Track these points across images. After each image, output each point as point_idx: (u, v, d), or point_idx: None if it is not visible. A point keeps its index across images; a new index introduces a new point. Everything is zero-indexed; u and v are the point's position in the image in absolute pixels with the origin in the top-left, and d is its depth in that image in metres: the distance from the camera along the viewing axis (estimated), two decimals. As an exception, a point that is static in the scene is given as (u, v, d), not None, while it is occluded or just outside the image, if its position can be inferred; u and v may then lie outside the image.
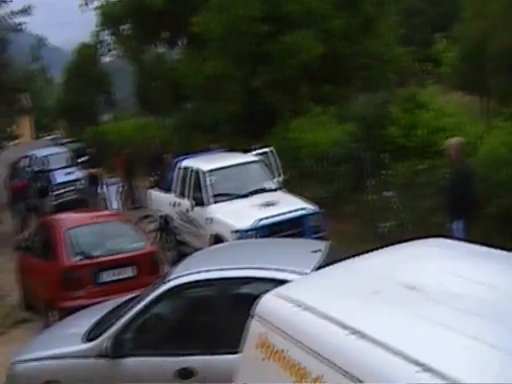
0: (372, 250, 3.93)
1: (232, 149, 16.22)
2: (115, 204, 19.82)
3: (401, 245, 4.03)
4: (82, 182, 21.61)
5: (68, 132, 45.91)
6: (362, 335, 2.85)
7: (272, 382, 3.34)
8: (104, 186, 20.41)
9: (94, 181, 20.56)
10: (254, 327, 3.61)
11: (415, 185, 11.92)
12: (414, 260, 3.67)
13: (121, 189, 20.17)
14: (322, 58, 18.69)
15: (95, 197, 20.54)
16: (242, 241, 10.68)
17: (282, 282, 5.20)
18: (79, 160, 21.30)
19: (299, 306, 3.30)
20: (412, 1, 37.94)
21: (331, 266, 4.85)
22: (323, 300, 3.35)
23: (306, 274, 5.51)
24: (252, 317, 3.62)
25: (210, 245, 11.81)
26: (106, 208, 19.66)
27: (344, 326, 2.96)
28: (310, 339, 3.10)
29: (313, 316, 3.18)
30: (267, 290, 3.74)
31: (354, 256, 4.06)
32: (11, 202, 19.26)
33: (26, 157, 25.36)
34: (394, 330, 2.88)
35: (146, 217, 16.46)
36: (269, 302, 3.60)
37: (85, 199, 21.01)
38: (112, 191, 20.02)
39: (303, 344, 3.12)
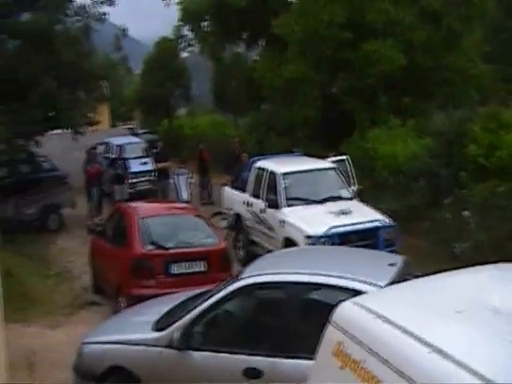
0: (446, 270, 3.89)
1: (307, 154, 16.23)
2: (185, 194, 20.11)
3: (483, 266, 3.98)
4: (153, 174, 21.96)
5: (143, 123, 46.68)
6: (445, 355, 2.82)
7: (348, 392, 3.33)
8: (174, 176, 20.63)
9: (163, 175, 20.66)
10: (332, 334, 3.61)
11: (493, 206, 11.68)
12: (498, 283, 3.63)
13: (190, 180, 20.41)
14: (402, 69, 18.48)
15: (165, 190, 20.84)
16: (315, 246, 10.69)
17: (356, 292, 5.25)
18: (153, 151, 21.63)
19: (379, 317, 3.29)
20: (498, 18, 37.11)
21: (411, 281, 4.84)
22: (404, 314, 3.32)
23: (381, 286, 5.52)
24: (329, 324, 3.61)
25: (282, 247, 11.94)
26: (176, 198, 20.12)
27: (426, 344, 2.93)
28: (390, 352, 3.08)
29: (394, 329, 3.16)
30: (343, 299, 3.75)
31: (431, 273, 4.05)
32: (87, 186, 19.75)
33: (103, 143, 26.04)
34: (480, 353, 2.84)
35: (219, 213, 16.65)
36: (348, 311, 3.60)
37: (156, 191, 21.40)
38: (182, 181, 20.27)
39: (382, 357, 3.10)
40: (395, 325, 3.17)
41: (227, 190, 16.31)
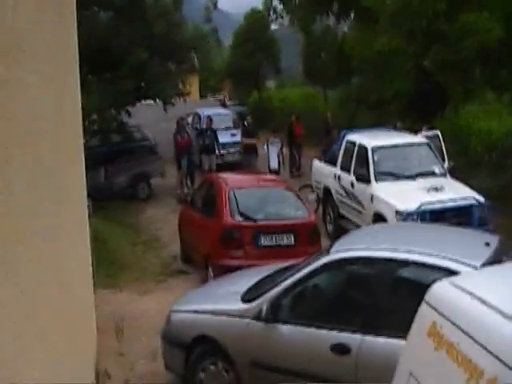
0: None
1: (397, 128, 15.96)
2: (274, 162, 20.19)
3: None
4: (240, 148, 22.13)
5: (233, 94, 46.96)
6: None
7: (442, 374, 3.27)
8: (265, 145, 20.65)
9: (250, 151, 20.63)
10: (427, 314, 3.53)
11: None
12: None
13: (279, 149, 20.43)
14: (499, 41, 17.79)
15: (250, 166, 20.97)
16: (407, 223, 10.53)
17: (451, 272, 5.15)
18: (245, 123, 21.71)
19: (476, 298, 3.20)
20: None
21: (509, 263, 4.69)
22: (502, 296, 3.22)
23: (477, 267, 5.39)
24: (424, 303, 3.54)
25: (371, 223, 11.86)
26: (268, 166, 20.27)
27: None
28: (486, 335, 3.01)
29: (492, 312, 3.06)
30: (436, 278, 3.66)
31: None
32: (176, 156, 20.07)
33: (192, 114, 26.34)
34: None
35: (308, 186, 16.67)
36: (444, 290, 3.50)
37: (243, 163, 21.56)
38: (273, 150, 20.34)
39: (478, 340, 3.03)
40: (492, 307, 3.08)
41: (317, 162, 16.26)
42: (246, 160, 20.32)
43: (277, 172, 20.05)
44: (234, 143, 22.37)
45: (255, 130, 20.16)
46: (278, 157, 20.28)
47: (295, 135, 21.88)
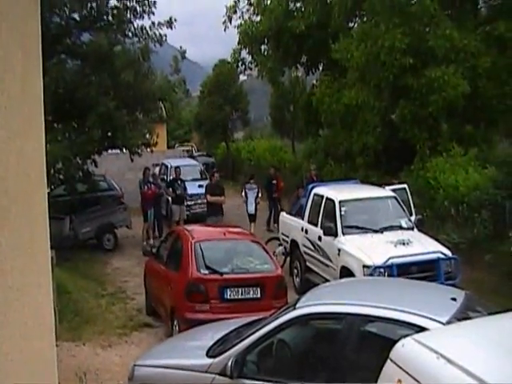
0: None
1: (366, 182, 16.15)
2: (252, 208, 20.31)
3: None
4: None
5: (200, 145, 47.24)
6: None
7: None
8: (245, 191, 20.77)
9: (215, 210, 18.20)
10: (392, 372, 3.50)
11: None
12: None
13: (256, 195, 20.52)
14: (465, 97, 18.18)
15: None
16: (373, 277, 10.57)
17: (417, 328, 5.16)
18: (214, 173, 21.85)
19: (442, 357, 3.18)
20: None
21: (476, 319, 4.71)
22: (469, 355, 3.21)
23: (443, 322, 5.40)
24: (390, 360, 3.52)
25: (339, 276, 11.87)
26: (246, 210, 20.49)
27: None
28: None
29: (458, 372, 3.04)
30: (403, 334, 3.67)
31: (496, 312, 3.96)
32: (142, 206, 20.00)
33: (159, 165, 26.44)
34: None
35: (276, 239, 16.70)
36: (409, 348, 3.48)
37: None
38: (250, 196, 20.43)
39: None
40: (458, 366, 3.06)
41: (284, 215, 16.36)
42: (210, 220, 19.06)
43: (254, 216, 20.30)
44: (202, 194, 22.48)
45: (222, 186, 19.41)
46: (256, 202, 20.35)
47: (275, 189, 21.97)
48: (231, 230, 12.61)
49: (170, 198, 21.33)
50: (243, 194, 20.85)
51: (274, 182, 22.14)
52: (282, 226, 16.38)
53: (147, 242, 19.37)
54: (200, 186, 23.03)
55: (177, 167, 21.60)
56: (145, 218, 19.83)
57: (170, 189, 20.79)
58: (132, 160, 20.76)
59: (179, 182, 20.70)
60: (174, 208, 20.66)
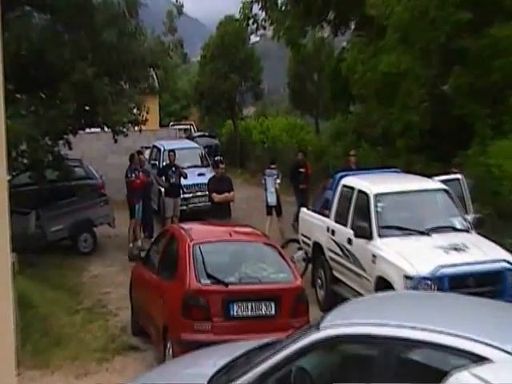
0: None
1: (409, 170, 16.08)
2: (272, 198, 20.50)
3: None
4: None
5: (201, 124, 47.38)
6: None
7: None
8: (264, 178, 20.92)
9: (222, 210, 17.70)
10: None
11: None
12: None
13: (277, 182, 20.55)
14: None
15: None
16: (418, 292, 10.52)
17: (474, 357, 5.11)
18: (215, 159, 21.83)
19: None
20: None
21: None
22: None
23: (509, 352, 5.33)
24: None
25: (374, 289, 11.88)
26: (266, 201, 20.65)
27: None
28: None
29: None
30: (455, 365, 3.64)
31: None
32: (129, 199, 20.02)
33: (148, 147, 26.48)
34: None
35: (294, 241, 16.72)
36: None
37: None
38: (270, 183, 20.59)
39: None
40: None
41: (305, 212, 16.35)
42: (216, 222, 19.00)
43: (275, 208, 20.48)
44: (203, 185, 22.54)
45: (229, 179, 18.48)
46: (277, 191, 20.39)
47: (302, 179, 21.99)
48: (239, 229, 12.61)
49: (162, 189, 21.38)
50: (262, 181, 21.07)
51: (302, 170, 22.14)
52: (302, 226, 16.37)
53: (134, 244, 19.42)
54: (200, 175, 23.15)
55: (171, 151, 21.69)
56: (131, 214, 19.90)
57: (163, 177, 20.84)
58: (116, 141, 20.79)
59: (174, 168, 20.75)
60: (168, 201, 20.74)
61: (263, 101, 47.76)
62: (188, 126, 44.12)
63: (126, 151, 22.13)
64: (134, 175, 19.85)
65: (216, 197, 17.59)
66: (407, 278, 11.28)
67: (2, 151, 3.55)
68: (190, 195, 22.91)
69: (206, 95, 41.03)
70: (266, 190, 20.72)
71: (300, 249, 16.24)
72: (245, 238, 12.02)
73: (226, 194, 17.66)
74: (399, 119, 20.54)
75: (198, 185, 22.88)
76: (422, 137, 20.50)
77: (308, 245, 15.68)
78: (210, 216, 17.82)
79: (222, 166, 18.33)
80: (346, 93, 24.79)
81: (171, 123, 44.69)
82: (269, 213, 20.54)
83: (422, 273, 11.24)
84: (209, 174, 22.87)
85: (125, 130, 20.26)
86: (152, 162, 24.80)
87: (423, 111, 19.94)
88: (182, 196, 21.46)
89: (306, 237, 15.90)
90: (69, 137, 19.86)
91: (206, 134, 41.79)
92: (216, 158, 21.76)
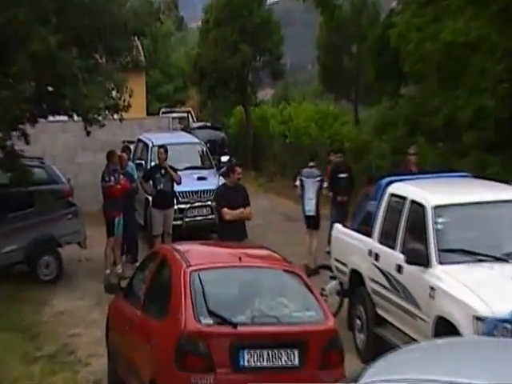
0: None
1: (480, 175, 16.06)
2: (311, 205, 20.89)
3: None
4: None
5: (202, 111, 47.41)
6: None
7: None
8: (299, 179, 21.14)
9: (235, 229, 17.11)
10: None
11: None
12: None
13: (320, 184, 21.02)
14: None
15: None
16: (494, 339, 10.45)
17: None
18: (221, 158, 21.82)
19: None
20: None
21: None
22: None
23: None
24: None
25: (433, 334, 11.84)
26: (302, 210, 21.01)
27: None
28: None
29: None
30: None
31: None
32: (106, 211, 20.01)
33: (132, 142, 26.61)
34: None
35: (325, 268, 16.75)
36: None
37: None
38: (309, 186, 20.95)
39: None
40: None
41: (340, 229, 16.44)
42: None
43: (314, 220, 20.82)
44: (204, 192, 22.53)
45: (244, 190, 17.72)
46: (318, 197, 20.49)
47: (343, 188, 22.17)
48: (251, 251, 12.64)
49: (149, 198, 21.42)
50: (297, 182, 21.30)
51: (343, 175, 22.32)
52: (336, 248, 16.44)
53: (113, 270, 19.48)
54: (201, 179, 23.22)
55: (162, 147, 21.67)
56: (109, 230, 19.96)
57: (150, 182, 20.84)
58: (88, 133, 20.83)
59: (164, 171, 20.75)
60: (157, 214, 20.74)
61: (285, 81, 47.80)
62: (185, 114, 44.16)
63: (101, 147, 22.28)
64: (112, 179, 19.86)
65: (228, 213, 17.00)
66: (478, 319, 11.23)
67: None
68: (187, 206, 22.91)
69: (208, 73, 41.01)
70: (302, 195, 21.00)
71: (333, 278, 16.32)
72: (259, 263, 12.00)
73: (242, 210, 17.11)
74: (468, 105, 20.55)
75: (197, 192, 23.01)
76: (498, 129, 20.45)
77: (343, 273, 15.72)
78: (219, 238, 17.74)
79: (238, 170, 17.70)
80: (396, 70, 24.82)
81: (162, 110, 44.66)
82: (309, 225, 20.87)
83: (498, 313, 11.17)
84: (212, 177, 22.97)
85: (100, 118, 20.28)
86: (137, 161, 24.79)
87: (500, 94, 19.91)
88: (175, 207, 21.49)
89: (340, 263, 15.94)
90: (25, 127, 19.90)
91: (209, 124, 41.76)
92: (223, 159, 21.86)
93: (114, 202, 19.84)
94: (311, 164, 21.05)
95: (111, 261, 19.86)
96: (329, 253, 20.42)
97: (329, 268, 16.61)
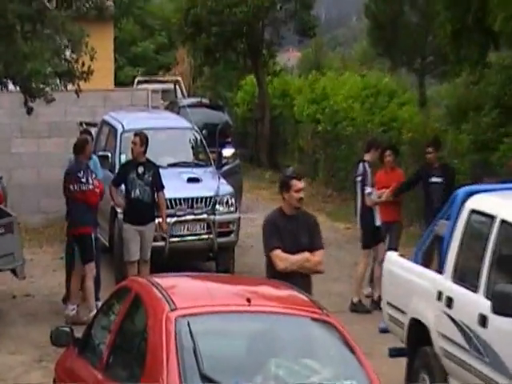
0: None
1: None
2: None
3: None
4: (212, 206, 22.33)
5: (197, 81, 47.54)
6: None
7: None
8: (359, 174, 21.74)
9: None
10: None
11: None
12: None
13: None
14: None
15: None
16: None
17: None
18: (223, 152, 21.81)
19: None
20: None
21: None
22: None
23: None
24: None
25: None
26: (364, 219, 21.50)
27: None
28: None
29: None
30: None
31: None
32: (81, 227, 20.03)
33: (94, 125, 26.72)
34: None
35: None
36: None
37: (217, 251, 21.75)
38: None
39: None
40: None
41: (394, 259, 16.61)
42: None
43: (379, 229, 21.51)
44: (196, 200, 22.61)
45: (313, 220, 16.33)
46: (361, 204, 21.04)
47: (438, 196, 22.17)
48: (264, 289, 12.64)
49: (118, 209, 21.51)
50: (358, 178, 21.80)
51: (438, 179, 22.54)
52: (388, 287, 16.48)
53: (68, 310, 19.51)
54: (193, 181, 23.14)
55: (137, 134, 21.68)
56: (87, 253, 20.09)
57: (122, 186, 20.90)
58: (30, 110, 20.94)
59: (142, 169, 20.79)
60: (129, 232, 20.77)
61: (317, 40, 47.89)
62: (171, 86, 44.32)
63: (49, 131, 22.29)
64: (91, 181, 19.88)
65: (283, 259, 15.33)
66: None
67: None
68: (172, 220, 22.80)
69: (205, 26, 41.09)
70: (358, 199, 21.60)
71: (384, 331, 16.34)
72: (277, 307, 11.98)
73: (306, 256, 15.48)
74: None
75: (186, 200, 23.05)
76: None
77: (400, 324, 15.75)
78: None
79: (298, 185, 15.57)
80: (482, 28, 24.88)
81: (138, 79, 44.75)
82: (368, 245, 21.32)
83: None
84: (209, 179, 23.00)
85: (48, 89, 20.38)
86: (100, 153, 24.82)
87: None
88: (155, 221, 21.53)
89: (395, 308, 15.96)
90: None
91: (206, 101, 41.78)
92: (226, 153, 21.72)
93: (91, 213, 20.09)
94: (372, 150, 21.37)
95: (73, 295, 19.97)
96: (368, 297, 20.75)
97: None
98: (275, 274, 14.99)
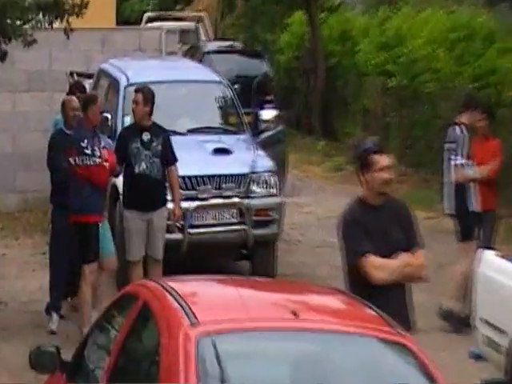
0: None
1: None
2: (475, 195, 21.78)
3: None
4: (246, 186, 22.43)
5: (225, 20, 47.76)
6: None
7: None
8: (457, 129, 21.95)
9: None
10: None
11: None
12: None
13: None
14: None
15: None
16: None
17: None
18: (261, 114, 21.98)
19: None
20: None
21: None
22: None
23: None
24: None
25: None
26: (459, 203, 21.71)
27: None
28: None
29: None
30: None
31: None
32: (80, 214, 20.14)
33: (88, 76, 26.85)
34: None
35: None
36: None
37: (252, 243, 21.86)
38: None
39: None
40: None
41: (495, 263, 16.56)
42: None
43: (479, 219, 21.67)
44: (225, 179, 22.69)
45: (406, 211, 16.67)
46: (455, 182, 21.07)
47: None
48: (315, 298, 12.71)
49: (118, 189, 21.65)
50: (451, 156, 21.97)
51: None
52: (483, 298, 16.45)
53: (49, 327, 19.68)
54: (221, 152, 23.18)
55: (141, 89, 21.79)
56: (90, 249, 20.25)
57: (120, 160, 21.02)
58: (3, 56, 21.11)
59: (148, 136, 20.87)
60: (133, 222, 20.87)
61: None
62: (192, 25, 44.48)
63: (28, 83, 22.46)
64: (97, 152, 19.97)
65: (378, 267, 15.15)
66: None
67: None
68: (193, 204, 22.98)
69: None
70: (451, 174, 21.77)
71: (476, 357, 16.33)
72: (332, 323, 12.05)
73: (406, 259, 15.21)
74: None
75: (212, 178, 23.18)
76: None
77: (498, 348, 15.75)
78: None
79: (382, 162, 15.35)
80: None
81: (148, 15, 44.89)
82: (470, 235, 21.50)
83: None
84: (243, 150, 23.07)
85: (27, 26, 20.56)
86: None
87: None
88: (167, 206, 21.59)
89: (493, 327, 15.95)
90: None
91: (239, 46, 41.90)
92: (266, 115, 21.91)
93: (97, 196, 20.23)
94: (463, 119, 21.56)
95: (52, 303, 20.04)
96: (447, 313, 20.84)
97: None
98: (365, 289, 14.42)
